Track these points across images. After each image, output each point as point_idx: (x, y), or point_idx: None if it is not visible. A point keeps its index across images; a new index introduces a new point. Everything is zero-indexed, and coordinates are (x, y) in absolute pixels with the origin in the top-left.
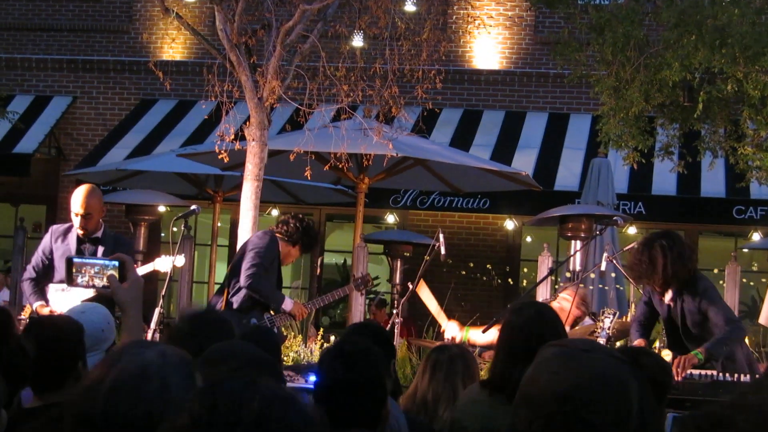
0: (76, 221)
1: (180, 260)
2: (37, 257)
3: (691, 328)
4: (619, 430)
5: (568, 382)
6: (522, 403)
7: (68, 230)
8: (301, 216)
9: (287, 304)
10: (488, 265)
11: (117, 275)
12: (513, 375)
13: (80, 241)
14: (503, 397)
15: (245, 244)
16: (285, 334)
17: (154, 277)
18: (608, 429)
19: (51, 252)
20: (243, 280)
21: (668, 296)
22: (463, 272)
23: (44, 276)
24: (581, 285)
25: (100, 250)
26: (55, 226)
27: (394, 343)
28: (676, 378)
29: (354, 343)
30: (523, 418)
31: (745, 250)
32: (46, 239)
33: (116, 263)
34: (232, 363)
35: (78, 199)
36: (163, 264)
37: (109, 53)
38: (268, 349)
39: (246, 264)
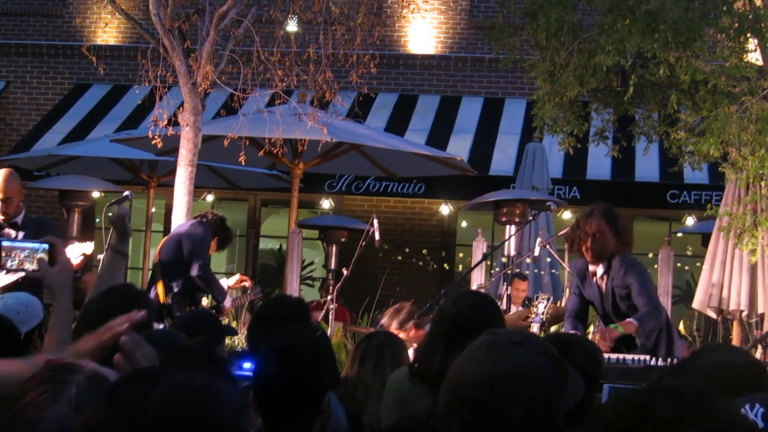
0: None
1: (89, 247)
2: None
3: (620, 304)
4: (528, 424)
5: (486, 371)
6: (444, 387)
7: None
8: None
9: (227, 302)
10: (424, 251)
11: (47, 258)
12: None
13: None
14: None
15: (179, 234)
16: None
17: (88, 263)
18: (516, 422)
19: None
20: (195, 269)
21: (600, 271)
22: (399, 257)
23: None
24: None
25: (20, 235)
26: None
27: (328, 329)
28: (603, 347)
29: (292, 336)
30: (442, 401)
31: (679, 235)
32: None
33: (46, 246)
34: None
35: None
36: (72, 251)
37: (42, 37)
38: (211, 333)
39: (193, 252)
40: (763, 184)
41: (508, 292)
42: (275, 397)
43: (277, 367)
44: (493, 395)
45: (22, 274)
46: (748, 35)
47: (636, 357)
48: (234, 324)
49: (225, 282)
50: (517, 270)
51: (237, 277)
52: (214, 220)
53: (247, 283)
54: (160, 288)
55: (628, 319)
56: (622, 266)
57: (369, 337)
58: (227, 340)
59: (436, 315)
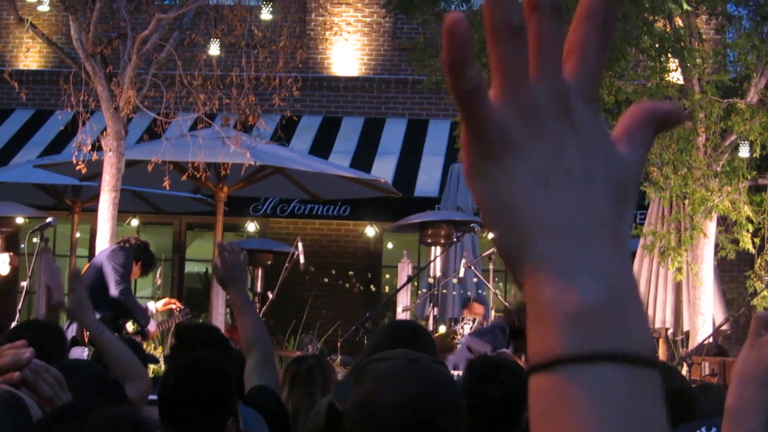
0: None
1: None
2: None
3: None
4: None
5: (414, 391)
6: (364, 421)
7: None
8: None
9: (151, 326)
10: (350, 272)
11: None
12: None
13: None
14: None
15: (100, 260)
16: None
17: (12, 289)
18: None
19: None
20: (117, 291)
21: None
22: (325, 279)
23: None
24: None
25: None
26: None
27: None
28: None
29: (192, 356)
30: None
31: None
32: None
33: None
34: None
35: None
36: None
37: None
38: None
39: (113, 277)
40: (686, 202)
41: (435, 313)
42: (176, 415)
43: (175, 386)
44: (431, 411)
45: None
46: (669, 55)
47: None
48: (159, 349)
49: (152, 305)
50: (444, 291)
51: (165, 300)
52: (137, 245)
53: (174, 306)
54: None
55: None
56: None
57: (298, 361)
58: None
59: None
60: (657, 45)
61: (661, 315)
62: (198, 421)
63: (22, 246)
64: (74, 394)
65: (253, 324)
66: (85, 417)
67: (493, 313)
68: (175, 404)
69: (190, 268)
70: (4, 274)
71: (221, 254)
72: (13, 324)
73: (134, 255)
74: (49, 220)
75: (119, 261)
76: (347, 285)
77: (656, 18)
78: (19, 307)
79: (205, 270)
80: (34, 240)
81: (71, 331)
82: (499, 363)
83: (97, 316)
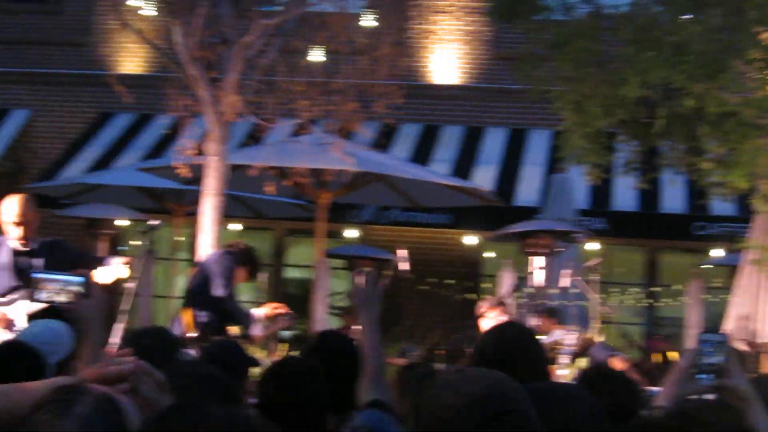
0: (14, 231)
1: (125, 271)
2: None
3: None
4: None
5: (479, 388)
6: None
7: None
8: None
9: (256, 330)
10: (450, 281)
11: (83, 291)
12: None
13: (16, 253)
14: None
15: (206, 265)
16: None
17: (114, 291)
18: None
19: None
20: (221, 290)
21: None
22: (425, 287)
23: None
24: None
25: (36, 262)
26: None
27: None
28: None
29: (288, 364)
30: None
31: (705, 267)
32: None
33: (82, 279)
34: (180, 383)
35: (13, 207)
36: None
37: (67, 66)
38: (233, 366)
39: (217, 281)
40: None
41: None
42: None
43: (274, 393)
44: (503, 399)
45: (47, 304)
46: None
47: None
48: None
49: (259, 311)
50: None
51: (272, 305)
52: (243, 250)
53: (281, 311)
54: (187, 316)
55: None
56: None
57: (409, 368)
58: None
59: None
60: (762, 57)
61: (766, 330)
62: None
63: (126, 248)
64: (183, 395)
65: (370, 347)
66: (201, 414)
67: (593, 324)
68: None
69: (290, 273)
70: (125, 277)
71: (360, 282)
72: (121, 326)
73: (240, 260)
74: (155, 222)
75: (224, 265)
76: (446, 293)
77: (762, 30)
78: (128, 307)
79: (305, 276)
80: (137, 242)
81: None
82: (612, 374)
83: (203, 318)
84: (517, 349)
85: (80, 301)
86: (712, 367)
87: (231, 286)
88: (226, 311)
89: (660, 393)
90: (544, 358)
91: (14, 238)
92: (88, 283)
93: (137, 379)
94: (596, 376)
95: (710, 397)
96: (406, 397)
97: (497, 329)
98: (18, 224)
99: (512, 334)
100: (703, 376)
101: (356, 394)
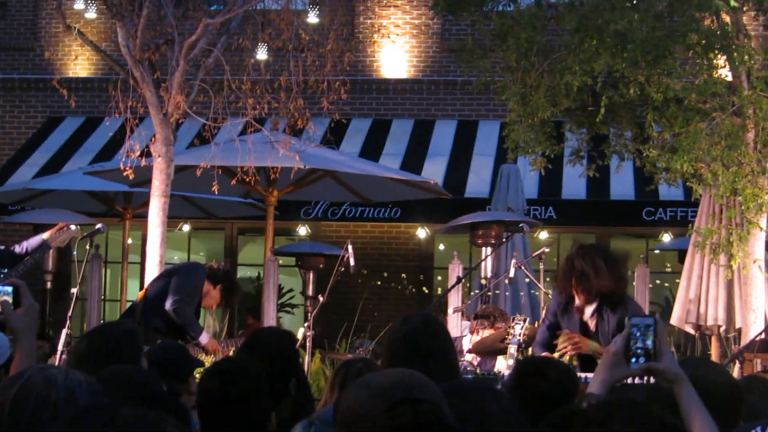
0: None
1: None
2: None
3: (602, 341)
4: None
5: (386, 380)
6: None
7: None
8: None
9: (203, 338)
10: (402, 275)
11: (11, 301)
12: None
13: None
14: None
15: (172, 270)
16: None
17: (61, 296)
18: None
19: None
20: (169, 303)
21: (589, 310)
22: (377, 282)
23: None
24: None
25: None
26: None
27: (306, 356)
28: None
29: (230, 361)
30: None
31: (657, 252)
32: None
33: (9, 289)
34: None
35: None
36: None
37: (14, 71)
38: (177, 367)
39: (174, 287)
40: (740, 199)
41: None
42: (215, 420)
43: (216, 389)
44: (411, 386)
45: None
46: (717, 52)
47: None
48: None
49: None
50: (497, 292)
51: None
52: (219, 269)
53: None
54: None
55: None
56: (623, 313)
57: (348, 364)
58: None
59: (389, 339)
60: (704, 42)
61: (713, 312)
62: (237, 425)
63: (74, 253)
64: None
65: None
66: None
67: (543, 312)
68: (214, 407)
69: (242, 272)
70: (77, 236)
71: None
72: (64, 331)
73: (213, 278)
74: (98, 226)
75: (185, 275)
76: (399, 287)
77: (703, 15)
78: (70, 313)
79: (257, 274)
80: (86, 247)
81: None
82: (546, 360)
83: (158, 322)
84: (425, 340)
85: (8, 311)
86: (642, 350)
87: (189, 295)
88: (175, 317)
89: (592, 379)
90: (453, 347)
91: None
92: (17, 292)
93: None
94: (530, 363)
95: (643, 380)
96: (334, 393)
97: (403, 322)
98: None
99: (416, 327)
100: (634, 360)
101: (290, 389)
